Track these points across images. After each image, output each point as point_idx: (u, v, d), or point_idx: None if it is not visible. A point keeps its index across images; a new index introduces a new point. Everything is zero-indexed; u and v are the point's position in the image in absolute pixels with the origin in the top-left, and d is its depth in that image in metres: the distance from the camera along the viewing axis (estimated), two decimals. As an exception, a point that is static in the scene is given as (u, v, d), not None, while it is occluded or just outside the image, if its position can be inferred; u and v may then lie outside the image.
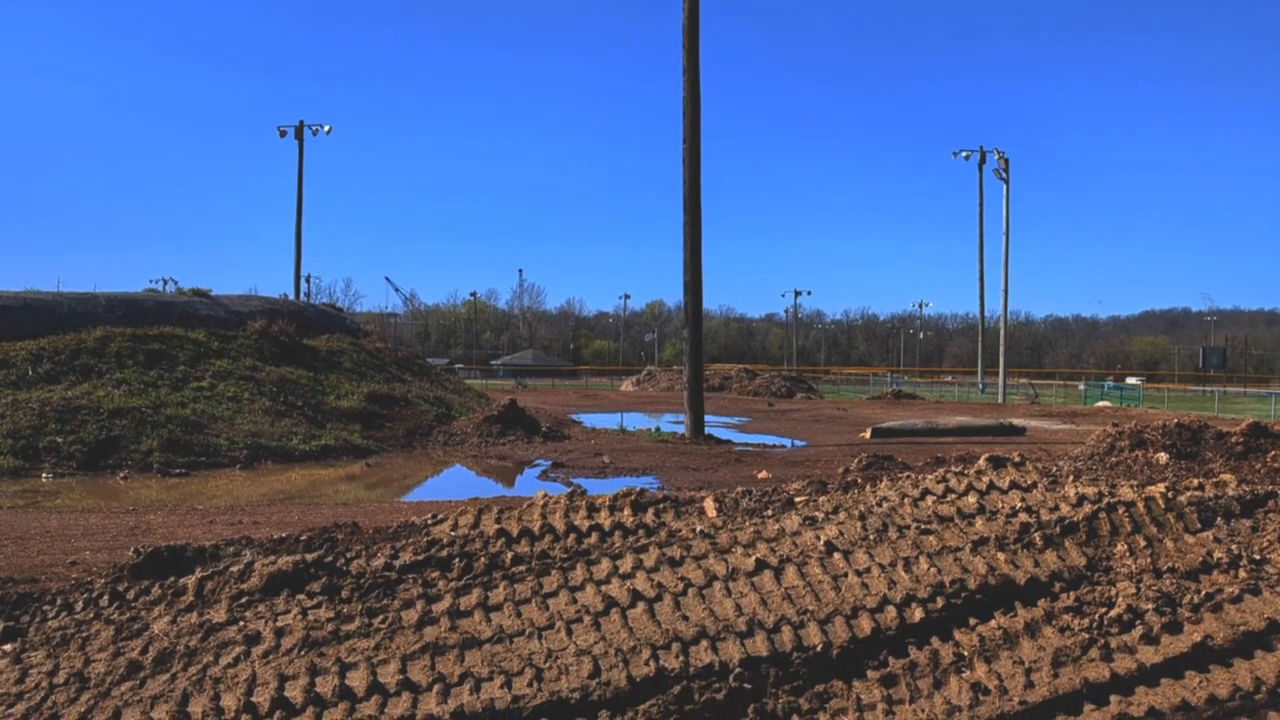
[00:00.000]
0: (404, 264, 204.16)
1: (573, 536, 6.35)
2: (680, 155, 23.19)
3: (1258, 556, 5.76)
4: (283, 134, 48.92)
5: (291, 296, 42.85)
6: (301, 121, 48.99)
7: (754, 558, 5.73)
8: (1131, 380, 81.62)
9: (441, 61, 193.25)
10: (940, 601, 5.27)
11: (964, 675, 4.73)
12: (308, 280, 63.30)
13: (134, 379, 20.05)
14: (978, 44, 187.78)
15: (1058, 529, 5.99)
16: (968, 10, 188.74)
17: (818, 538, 5.98)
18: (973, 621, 5.18)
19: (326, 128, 49.16)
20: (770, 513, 7.11)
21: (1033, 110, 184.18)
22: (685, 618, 5.12)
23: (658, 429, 25.77)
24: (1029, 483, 7.08)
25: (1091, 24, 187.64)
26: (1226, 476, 7.71)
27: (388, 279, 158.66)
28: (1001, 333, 52.41)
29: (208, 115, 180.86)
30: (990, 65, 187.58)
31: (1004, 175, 49.98)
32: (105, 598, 5.76)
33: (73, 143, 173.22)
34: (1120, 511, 6.19)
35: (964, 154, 54.91)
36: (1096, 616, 5.10)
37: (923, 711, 4.50)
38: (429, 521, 7.28)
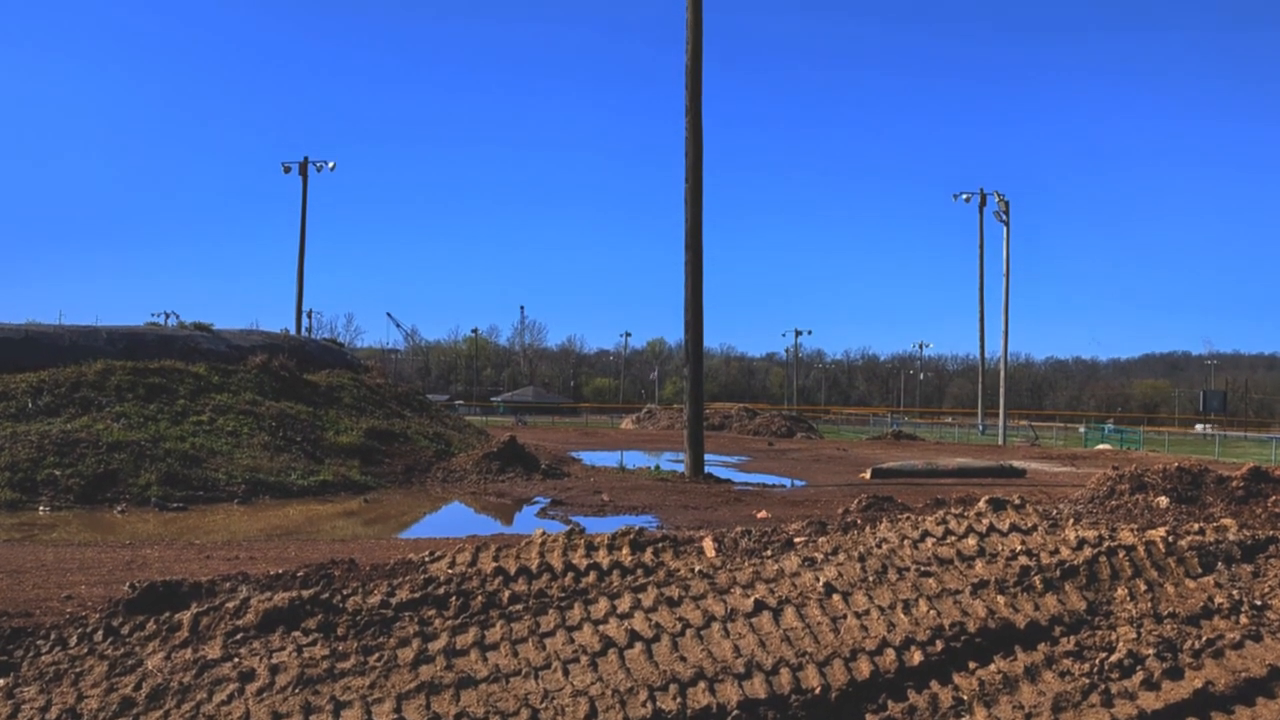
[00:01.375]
0: (405, 300, 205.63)
1: (570, 575, 6.32)
2: (682, 193, 23.38)
3: (1259, 602, 5.73)
4: (287, 170, 49.42)
5: (293, 331, 42.97)
6: (306, 158, 49.53)
7: (752, 598, 5.70)
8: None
9: (444, 98, 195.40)
10: (939, 645, 5.23)
11: (964, 720, 4.69)
12: (309, 315, 63.47)
13: (134, 412, 20.04)
14: (980, 85, 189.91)
15: (1058, 572, 5.97)
16: (970, 51, 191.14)
17: (817, 579, 5.96)
18: (972, 665, 5.15)
19: (331, 164, 49.66)
20: (769, 553, 7.08)
21: (1034, 152, 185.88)
22: (683, 659, 5.09)
23: (657, 467, 25.70)
24: (1029, 525, 7.06)
25: (1094, 65, 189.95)
26: (1227, 521, 7.68)
27: (389, 315, 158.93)
28: (1002, 374, 52.47)
29: (211, 149, 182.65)
30: (992, 108, 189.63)
31: (1004, 218, 50.35)
32: (100, 633, 5.73)
33: (76, 175, 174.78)
34: (1121, 555, 6.17)
35: (964, 196, 55.44)
36: (1097, 661, 5.07)
37: (922, 757, 4.46)
38: (426, 559, 7.24)
